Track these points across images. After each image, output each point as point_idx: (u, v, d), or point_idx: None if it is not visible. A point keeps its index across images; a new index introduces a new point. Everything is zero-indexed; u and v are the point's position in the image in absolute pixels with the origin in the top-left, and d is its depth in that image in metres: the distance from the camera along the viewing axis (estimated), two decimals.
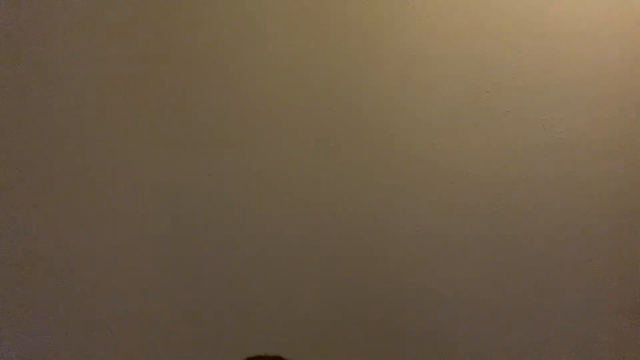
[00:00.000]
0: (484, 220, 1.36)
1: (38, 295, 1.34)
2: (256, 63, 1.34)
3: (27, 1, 1.31)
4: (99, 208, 1.34)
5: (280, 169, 1.36)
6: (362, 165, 1.36)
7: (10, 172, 1.32)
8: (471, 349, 1.38)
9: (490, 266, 1.37)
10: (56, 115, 1.32)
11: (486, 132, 1.35)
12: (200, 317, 1.37)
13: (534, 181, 1.35)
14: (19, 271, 1.33)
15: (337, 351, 1.39)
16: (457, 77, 1.34)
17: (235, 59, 1.34)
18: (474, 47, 1.34)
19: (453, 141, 1.35)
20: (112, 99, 1.33)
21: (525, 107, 1.34)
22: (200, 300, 1.37)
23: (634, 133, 1.34)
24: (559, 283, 1.37)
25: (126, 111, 1.33)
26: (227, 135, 1.35)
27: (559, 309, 1.37)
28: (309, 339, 1.38)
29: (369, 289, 1.38)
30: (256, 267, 1.37)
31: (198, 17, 1.33)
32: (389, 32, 1.34)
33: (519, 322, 1.38)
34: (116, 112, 1.33)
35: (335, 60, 1.35)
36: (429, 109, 1.35)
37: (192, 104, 1.34)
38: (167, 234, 1.35)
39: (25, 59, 1.31)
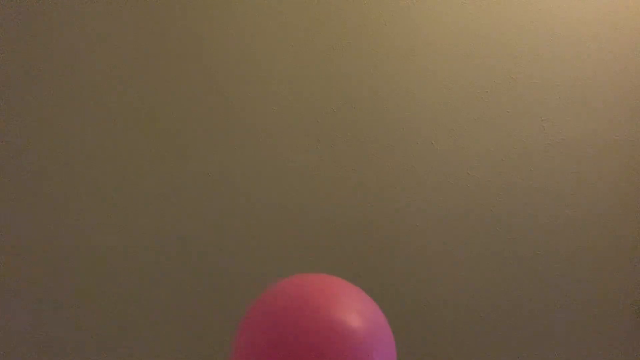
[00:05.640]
0: (484, 221, 1.36)
1: (35, 294, 1.33)
2: (256, 63, 1.34)
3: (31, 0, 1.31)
4: (98, 208, 1.33)
5: (281, 169, 1.36)
6: (362, 165, 1.36)
7: (8, 172, 1.31)
8: (471, 349, 1.38)
9: (490, 266, 1.37)
10: (55, 116, 1.32)
11: (486, 132, 1.35)
12: (199, 318, 1.36)
13: (533, 181, 1.35)
14: (24, 270, 1.33)
15: None
16: (457, 77, 1.34)
17: (235, 59, 1.34)
18: (474, 48, 1.34)
19: (453, 141, 1.35)
20: (112, 99, 1.33)
21: (525, 107, 1.35)
22: (199, 301, 1.36)
23: (634, 133, 1.35)
24: (558, 283, 1.37)
25: (125, 110, 1.33)
26: (227, 135, 1.35)
27: (559, 309, 1.37)
28: None
29: (368, 289, 1.38)
30: (256, 267, 1.37)
31: (197, 17, 1.33)
32: (388, 33, 1.34)
33: (519, 321, 1.37)
34: (115, 111, 1.33)
35: (335, 61, 1.35)
36: (429, 109, 1.35)
37: (192, 103, 1.34)
38: (166, 233, 1.35)
39: (21, 57, 1.31)
